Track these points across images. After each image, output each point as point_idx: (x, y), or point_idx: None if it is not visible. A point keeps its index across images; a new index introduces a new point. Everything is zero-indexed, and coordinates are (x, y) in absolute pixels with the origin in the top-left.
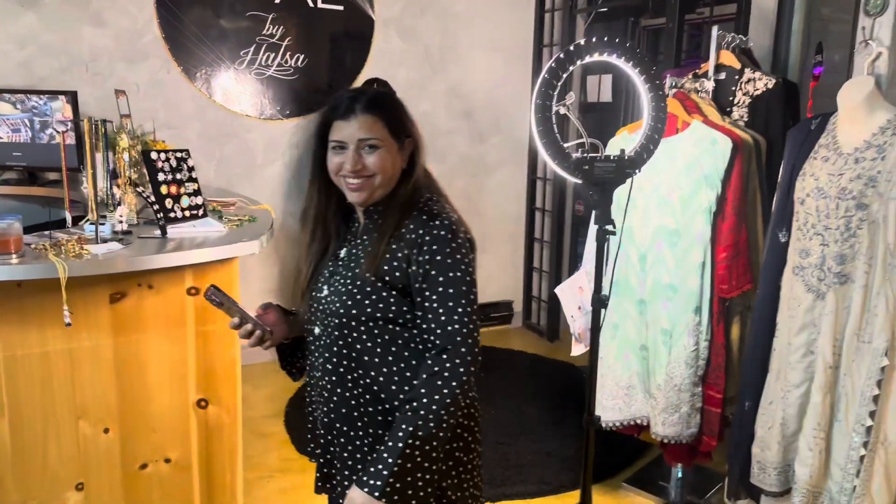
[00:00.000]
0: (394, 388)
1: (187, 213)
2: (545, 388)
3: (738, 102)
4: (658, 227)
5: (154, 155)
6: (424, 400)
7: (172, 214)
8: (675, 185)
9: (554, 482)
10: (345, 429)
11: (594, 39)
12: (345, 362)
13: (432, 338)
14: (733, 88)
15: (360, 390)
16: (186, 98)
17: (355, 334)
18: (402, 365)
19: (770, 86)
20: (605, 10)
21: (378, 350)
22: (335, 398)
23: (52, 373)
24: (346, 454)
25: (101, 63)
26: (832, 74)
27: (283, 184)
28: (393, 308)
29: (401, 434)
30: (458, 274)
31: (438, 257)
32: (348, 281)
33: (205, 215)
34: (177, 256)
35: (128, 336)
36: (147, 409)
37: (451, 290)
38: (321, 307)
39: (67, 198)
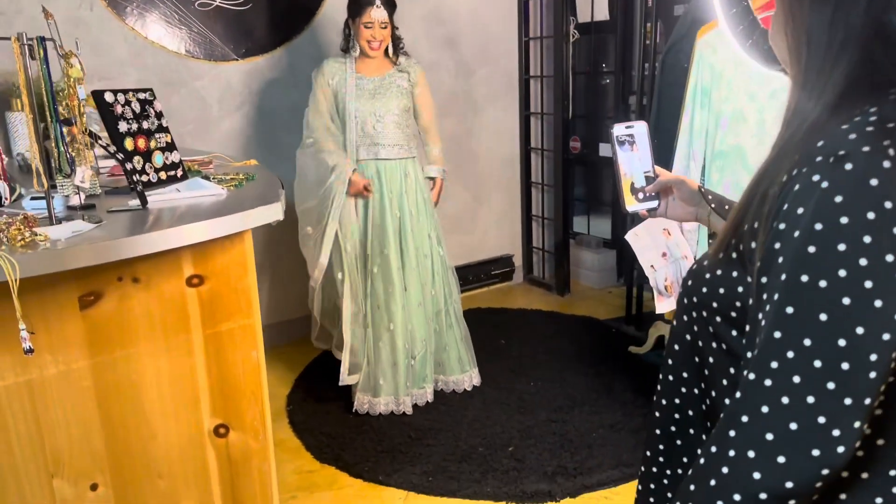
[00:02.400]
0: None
1: (163, 175)
2: (577, 349)
3: None
4: None
5: (109, 97)
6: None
7: (145, 177)
8: None
9: (634, 463)
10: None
11: None
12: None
13: (741, 384)
14: None
15: (706, 408)
16: (117, 40)
17: (697, 328)
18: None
19: None
20: None
21: (723, 366)
22: (675, 404)
23: (6, 418)
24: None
25: None
26: None
27: (244, 139)
28: (738, 303)
29: None
30: (824, 285)
31: (796, 232)
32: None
33: (185, 176)
34: (177, 234)
35: (111, 353)
36: (148, 449)
37: (788, 310)
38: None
39: (1, 163)
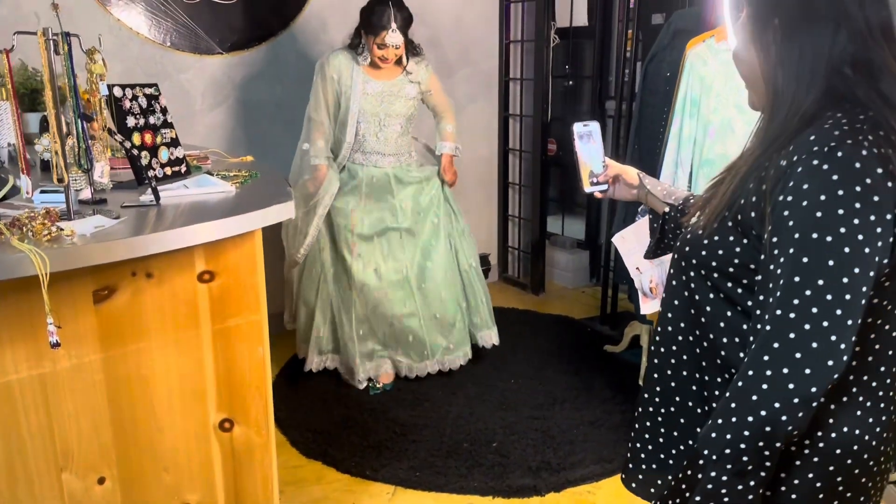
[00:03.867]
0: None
1: (168, 171)
2: (555, 347)
3: None
4: None
5: (118, 91)
6: (713, 434)
7: (152, 172)
8: None
9: (615, 459)
10: (675, 395)
11: None
12: (691, 312)
13: (758, 325)
14: None
15: (699, 350)
16: (102, 30)
17: (694, 284)
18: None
19: None
20: None
21: (721, 311)
22: (672, 350)
23: (18, 411)
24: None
25: None
26: None
27: (228, 133)
28: (736, 261)
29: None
30: (830, 239)
31: (804, 202)
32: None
33: (188, 172)
34: (195, 231)
35: (122, 347)
36: (155, 444)
37: (804, 260)
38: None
39: (24, 156)
